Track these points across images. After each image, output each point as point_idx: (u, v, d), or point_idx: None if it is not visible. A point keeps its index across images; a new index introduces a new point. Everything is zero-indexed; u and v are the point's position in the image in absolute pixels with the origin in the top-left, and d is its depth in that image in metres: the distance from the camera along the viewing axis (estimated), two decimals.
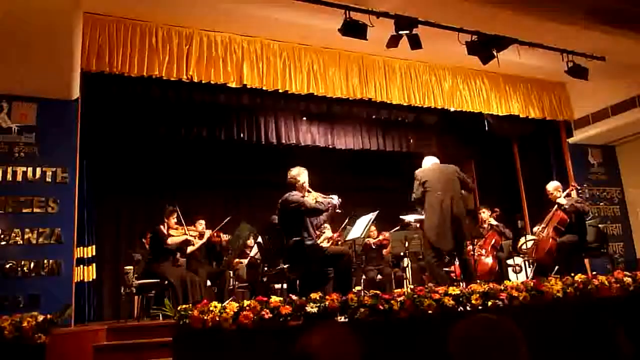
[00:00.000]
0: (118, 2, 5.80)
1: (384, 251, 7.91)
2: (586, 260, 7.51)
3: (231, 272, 7.03)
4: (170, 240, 6.13)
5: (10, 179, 5.38)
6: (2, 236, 5.23)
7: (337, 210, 5.36)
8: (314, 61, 6.92)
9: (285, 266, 5.08)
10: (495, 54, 6.33)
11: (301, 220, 5.03)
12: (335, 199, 5.22)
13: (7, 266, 5.18)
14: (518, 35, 6.38)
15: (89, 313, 6.08)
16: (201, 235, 6.69)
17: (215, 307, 3.54)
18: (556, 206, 6.39)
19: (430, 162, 5.80)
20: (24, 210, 5.36)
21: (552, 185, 6.59)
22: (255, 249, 7.06)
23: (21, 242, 5.29)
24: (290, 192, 5.10)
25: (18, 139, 5.50)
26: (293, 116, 8.05)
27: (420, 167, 5.81)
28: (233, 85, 6.45)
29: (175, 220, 6.37)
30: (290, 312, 3.60)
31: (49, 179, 5.51)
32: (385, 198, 8.83)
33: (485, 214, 7.56)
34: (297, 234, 4.96)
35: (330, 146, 8.35)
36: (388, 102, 7.33)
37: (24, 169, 5.45)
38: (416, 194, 5.55)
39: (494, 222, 7.46)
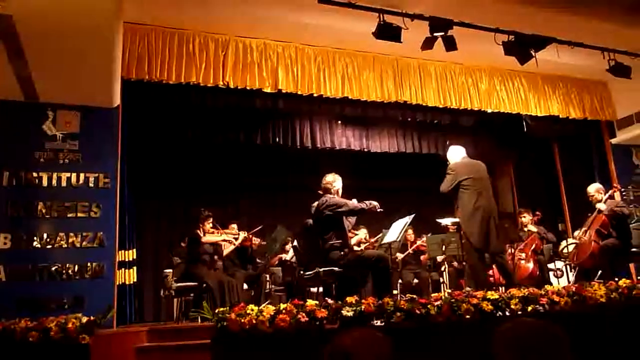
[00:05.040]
0: (156, 11, 5.93)
1: (422, 257, 7.83)
2: (631, 265, 7.28)
3: (267, 275, 7.09)
4: (205, 238, 6.26)
5: (56, 185, 5.55)
6: (48, 240, 5.40)
7: (379, 210, 5.28)
8: (349, 65, 6.93)
9: (321, 270, 5.09)
10: (533, 53, 6.21)
11: (338, 223, 5.05)
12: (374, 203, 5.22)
13: (53, 269, 5.34)
14: (557, 34, 6.23)
15: (130, 315, 6.22)
16: (236, 238, 6.78)
17: (252, 310, 3.58)
18: (597, 209, 6.23)
19: (459, 155, 5.72)
20: (69, 215, 5.52)
21: (594, 187, 6.43)
22: (291, 252, 7.10)
23: (66, 245, 5.44)
24: (327, 195, 5.14)
25: (62, 146, 5.67)
26: (328, 120, 8.05)
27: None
28: (268, 90, 6.51)
29: (211, 225, 6.48)
30: (326, 315, 3.61)
31: (91, 184, 5.65)
32: (421, 201, 8.75)
33: (526, 218, 7.39)
34: (333, 238, 4.99)
35: (365, 149, 8.32)
36: (423, 104, 7.28)
37: (68, 174, 5.61)
38: (446, 186, 5.52)
39: (533, 229, 7.27)
